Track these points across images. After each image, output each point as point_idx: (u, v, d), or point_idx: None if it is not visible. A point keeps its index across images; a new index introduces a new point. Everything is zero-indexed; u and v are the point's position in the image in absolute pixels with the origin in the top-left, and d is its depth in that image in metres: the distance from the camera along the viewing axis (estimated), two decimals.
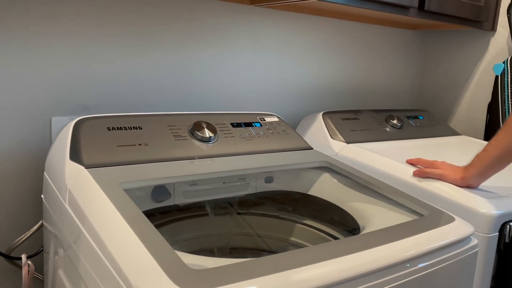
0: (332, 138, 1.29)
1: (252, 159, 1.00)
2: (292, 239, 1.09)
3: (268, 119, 1.19)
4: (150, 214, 0.86)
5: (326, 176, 1.06)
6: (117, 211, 0.63)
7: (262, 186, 1.06)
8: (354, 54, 1.68)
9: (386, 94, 1.84)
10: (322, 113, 1.37)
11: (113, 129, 0.91)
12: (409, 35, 1.85)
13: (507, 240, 0.88)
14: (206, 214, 1.02)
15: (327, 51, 1.60)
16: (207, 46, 1.31)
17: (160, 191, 0.87)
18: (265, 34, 1.43)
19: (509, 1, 1.53)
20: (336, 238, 0.99)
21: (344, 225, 0.97)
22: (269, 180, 1.06)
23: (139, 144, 0.89)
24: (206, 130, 1.01)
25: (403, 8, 1.31)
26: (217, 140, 1.02)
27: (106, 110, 1.17)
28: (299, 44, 1.51)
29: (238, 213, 1.09)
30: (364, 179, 0.96)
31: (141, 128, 0.94)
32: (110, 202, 0.66)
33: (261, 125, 1.15)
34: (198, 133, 0.99)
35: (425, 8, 1.34)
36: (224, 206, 1.07)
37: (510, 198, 0.92)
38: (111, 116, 0.94)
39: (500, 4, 1.60)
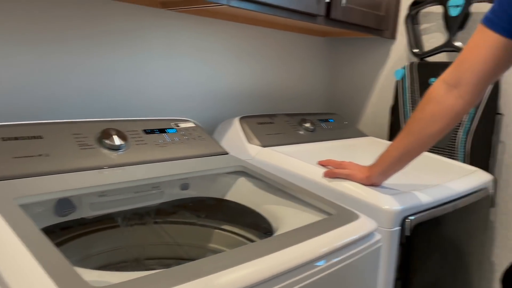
0: (248, 142, 1.30)
1: (166, 166, 0.98)
2: (211, 245, 1.08)
3: (183, 125, 1.17)
4: (52, 231, 0.80)
5: (241, 181, 1.07)
6: (9, 229, 0.58)
7: (177, 194, 1.04)
8: (268, 60, 1.72)
9: (299, 98, 1.91)
10: (238, 118, 1.38)
11: (8, 140, 0.83)
12: (319, 42, 1.94)
13: (407, 234, 0.95)
14: (118, 226, 0.97)
15: (242, 56, 1.62)
16: (118, 49, 1.26)
17: (64, 204, 0.82)
18: (180, 38, 1.40)
19: (408, 10, 1.66)
20: (252, 241, 1.00)
21: (260, 228, 0.98)
22: (184, 187, 1.05)
23: (39, 155, 0.83)
24: (115, 137, 0.96)
25: (311, 16, 1.37)
26: (128, 148, 0.98)
27: (2, 119, 1.07)
28: (214, 49, 1.51)
29: (155, 222, 1.06)
30: (278, 182, 0.98)
31: (42, 138, 0.87)
32: (1, 220, 0.60)
33: (176, 131, 1.13)
34: (107, 141, 0.94)
35: (332, 16, 1.41)
36: (139, 216, 1.03)
37: (410, 194, 0.99)
38: (6, 125, 0.86)
39: (399, 14, 1.74)
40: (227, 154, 1.15)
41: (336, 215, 0.81)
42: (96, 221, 0.94)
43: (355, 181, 1.01)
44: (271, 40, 1.71)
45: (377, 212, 0.93)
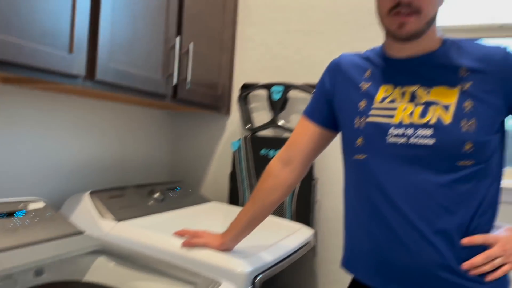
0: (101, 217, 1.31)
1: (18, 254, 0.93)
2: None
3: (32, 206, 1.12)
4: None
5: (101, 260, 1.08)
6: None
7: (32, 281, 0.98)
8: (114, 132, 1.76)
9: (146, 168, 1.97)
10: (88, 192, 1.38)
11: None
12: (162, 115, 2.07)
13: None
14: None
15: (88, 129, 1.62)
16: None
17: None
18: (22, 113, 1.35)
19: (239, 92, 1.94)
20: None
21: None
22: (39, 272, 1.00)
23: None
24: None
25: (161, 96, 1.50)
26: None
27: None
28: (58, 123, 1.49)
29: None
30: (138, 257, 1.03)
31: None
32: None
33: (25, 213, 1.08)
34: None
35: (178, 97, 1.57)
36: None
37: (256, 255, 1.16)
38: None
39: (232, 94, 2.01)
40: (82, 233, 1.14)
41: (199, 284, 0.91)
42: None
43: (212, 248, 1.13)
44: (117, 113, 1.76)
45: (233, 275, 1.06)
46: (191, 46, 1.59)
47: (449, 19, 1.78)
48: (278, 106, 1.85)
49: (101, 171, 1.70)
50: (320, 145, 1.10)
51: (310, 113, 1.08)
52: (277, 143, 1.82)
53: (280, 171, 1.10)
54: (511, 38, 1.70)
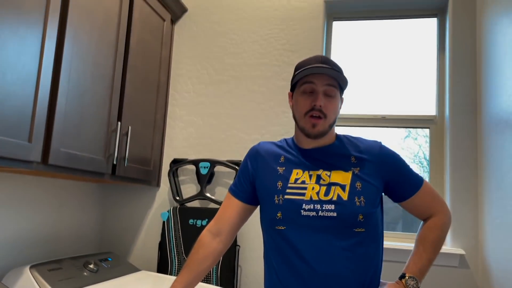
0: None
1: None
2: None
3: None
4: None
5: None
6: None
7: None
8: (47, 206, 1.84)
9: (78, 240, 2.04)
10: (28, 267, 1.45)
11: None
12: (95, 188, 2.18)
13: None
14: None
15: (19, 204, 1.69)
16: None
17: None
18: None
19: (170, 166, 2.14)
20: None
21: None
22: None
23: None
24: None
25: (100, 174, 1.65)
26: None
27: None
28: None
29: None
30: None
31: None
32: None
33: None
34: None
35: (116, 174, 1.73)
36: None
37: None
38: None
39: (162, 168, 2.20)
40: None
41: None
42: None
43: None
44: (48, 187, 1.85)
45: None
46: (129, 128, 1.79)
47: (343, 110, 2.21)
48: (205, 179, 2.08)
49: (37, 243, 1.75)
50: (244, 217, 1.27)
51: (235, 192, 1.26)
52: (205, 213, 2.03)
53: (211, 242, 1.24)
54: (393, 127, 2.16)
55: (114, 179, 1.75)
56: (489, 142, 1.79)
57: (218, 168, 2.14)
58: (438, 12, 2.19)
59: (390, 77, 2.21)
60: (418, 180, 1.21)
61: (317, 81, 1.14)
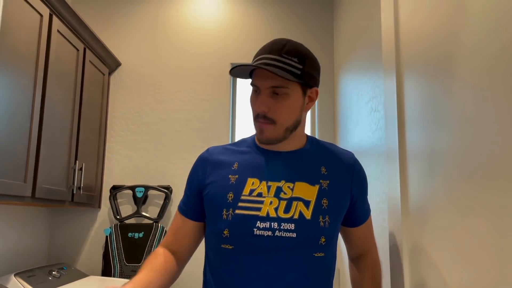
0: None
1: None
2: None
3: None
4: None
5: None
6: None
7: None
8: (6, 228, 2.26)
9: (32, 254, 2.45)
10: (13, 274, 1.90)
11: None
12: (44, 211, 2.60)
13: None
14: None
15: None
16: None
17: None
18: None
19: (110, 192, 2.67)
20: None
21: None
22: None
23: None
24: None
25: (62, 201, 2.15)
26: None
27: None
28: None
29: None
30: None
31: None
32: None
33: None
34: None
35: (74, 200, 2.23)
36: None
37: None
38: None
39: (102, 193, 2.72)
40: None
41: None
42: None
43: None
44: (8, 212, 2.28)
45: None
46: (83, 165, 2.31)
47: None
48: (140, 201, 2.65)
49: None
50: (200, 236, 1.10)
51: (185, 211, 1.07)
52: (141, 227, 2.59)
53: (169, 255, 1.05)
54: None
55: (72, 205, 2.25)
56: None
57: (151, 192, 2.72)
58: None
59: None
60: (369, 207, 1.09)
61: (260, 79, 0.94)
